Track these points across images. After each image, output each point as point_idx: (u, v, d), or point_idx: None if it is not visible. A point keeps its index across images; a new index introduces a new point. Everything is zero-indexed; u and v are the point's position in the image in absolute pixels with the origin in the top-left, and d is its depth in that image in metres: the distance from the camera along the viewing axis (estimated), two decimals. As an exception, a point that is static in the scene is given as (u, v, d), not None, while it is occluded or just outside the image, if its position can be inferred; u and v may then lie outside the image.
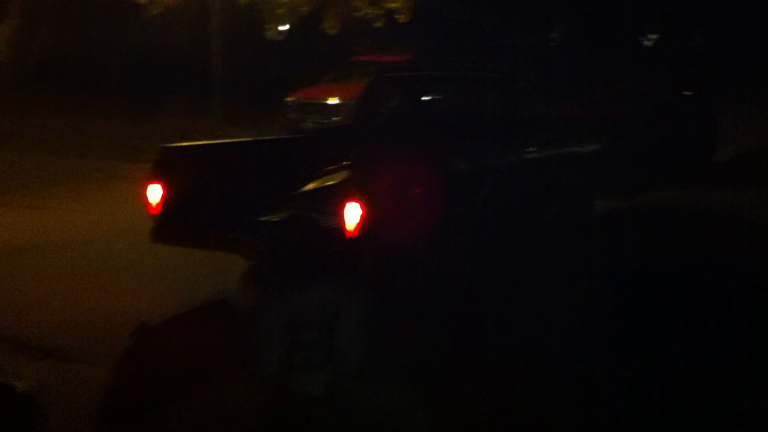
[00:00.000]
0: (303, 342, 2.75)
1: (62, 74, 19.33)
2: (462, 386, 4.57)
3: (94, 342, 5.24)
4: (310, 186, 5.82)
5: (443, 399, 4.46)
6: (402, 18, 19.93)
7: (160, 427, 4.26)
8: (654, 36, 27.53)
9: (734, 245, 8.08)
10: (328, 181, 5.74)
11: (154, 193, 6.01)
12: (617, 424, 4.36)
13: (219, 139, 7.24)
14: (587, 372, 4.89)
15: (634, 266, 7.17)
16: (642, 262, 7.33)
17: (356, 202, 5.21)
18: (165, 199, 5.98)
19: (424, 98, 8.39)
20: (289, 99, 17.18)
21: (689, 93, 14.26)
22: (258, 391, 2.80)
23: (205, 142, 6.89)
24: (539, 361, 4.96)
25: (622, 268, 7.06)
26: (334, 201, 5.31)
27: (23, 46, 20.56)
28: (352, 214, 5.21)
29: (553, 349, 5.15)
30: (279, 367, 2.75)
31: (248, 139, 7.50)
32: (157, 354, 5.06)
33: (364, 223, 5.20)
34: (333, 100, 16.37)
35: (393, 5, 19.71)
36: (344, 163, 5.59)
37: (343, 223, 5.21)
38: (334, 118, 15.93)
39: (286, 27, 22.69)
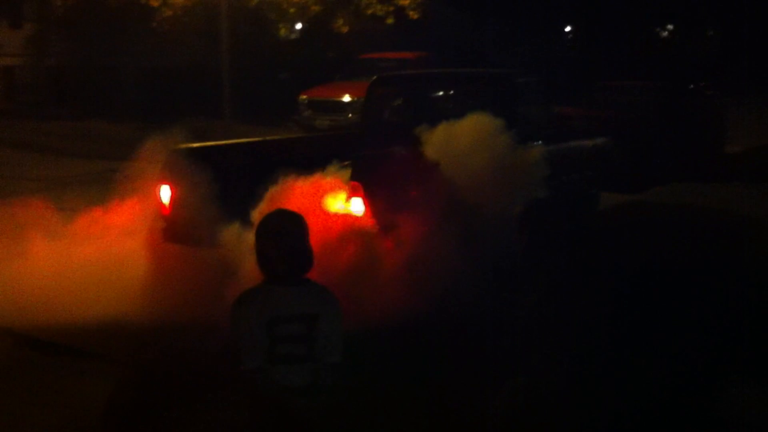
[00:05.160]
0: (286, 335, 2.89)
1: (77, 79, 19.58)
2: (457, 384, 4.67)
3: (116, 341, 5.43)
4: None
5: (435, 394, 4.60)
6: (412, 14, 20.03)
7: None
8: (669, 28, 27.45)
9: (737, 243, 8.14)
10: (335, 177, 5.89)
11: (165, 194, 6.21)
12: (617, 424, 4.47)
13: (230, 140, 7.40)
14: (587, 372, 4.97)
15: (635, 264, 7.25)
16: (644, 259, 7.41)
17: (358, 197, 5.41)
18: (175, 200, 6.17)
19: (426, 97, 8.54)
20: (301, 97, 17.31)
21: (696, 88, 14.31)
22: (242, 387, 2.94)
23: (213, 143, 7.05)
24: (539, 362, 5.07)
25: (623, 266, 7.14)
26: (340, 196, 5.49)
27: (39, 50, 20.86)
28: (355, 209, 5.41)
29: (554, 349, 5.26)
30: (262, 361, 2.89)
31: (256, 139, 7.67)
32: (167, 354, 5.23)
33: (367, 218, 5.40)
34: (345, 98, 16.52)
35: (403, 2, 19.79)
36: (348, 161, 5.76)
37: (347, 218, 5.41)
38: (347, 116, 16.04)
39: (298, 26, 22.86)
